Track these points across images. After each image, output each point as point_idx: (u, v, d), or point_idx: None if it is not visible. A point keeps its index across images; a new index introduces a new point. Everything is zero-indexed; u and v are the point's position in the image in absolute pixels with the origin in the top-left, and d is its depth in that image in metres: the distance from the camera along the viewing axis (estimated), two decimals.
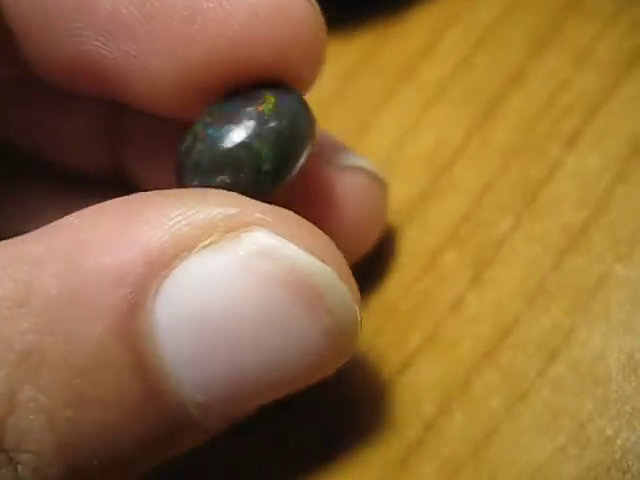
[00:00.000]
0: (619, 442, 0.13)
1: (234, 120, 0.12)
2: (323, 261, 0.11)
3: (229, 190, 0.12)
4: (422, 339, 0.15)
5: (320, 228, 0.12)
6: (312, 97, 0.14)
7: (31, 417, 0.10)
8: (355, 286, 0.11)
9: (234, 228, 0.11)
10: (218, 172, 0.12)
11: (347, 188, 0.15)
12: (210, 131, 0.12)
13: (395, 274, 0.16)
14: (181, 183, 0.12)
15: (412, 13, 0.20)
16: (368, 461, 0.14)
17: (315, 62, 0.13)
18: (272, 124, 0.12)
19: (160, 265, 0.10)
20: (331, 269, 0.11)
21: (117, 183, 0.16)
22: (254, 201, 0.11)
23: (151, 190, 0.11)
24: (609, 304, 0.14)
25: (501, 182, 0.16)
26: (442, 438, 0.14)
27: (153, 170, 0.16)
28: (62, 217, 0.11)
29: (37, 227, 0.11)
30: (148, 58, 0.12)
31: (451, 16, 0.19)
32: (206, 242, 0.10)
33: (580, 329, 0.14)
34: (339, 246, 0.12)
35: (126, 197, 0.11)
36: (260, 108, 0.12)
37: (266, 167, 0.12)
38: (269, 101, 0.12)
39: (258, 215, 0.11)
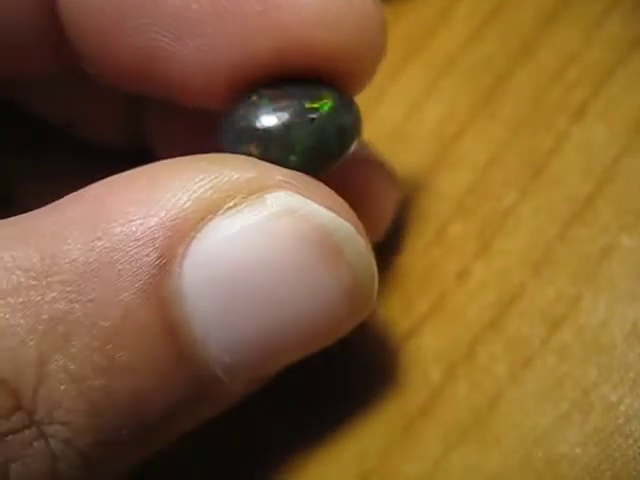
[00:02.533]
0: (622, 408, 0.13)
1: (288, 107, 0.12)
2: (342, 218, 0.11)
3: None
4: (428, 307, 0.15)
5: None
6: None
7: (62, 387, 0.10)
8: (369, 242, 0.12)
9: (256, 190, 0.11)
10: (253, 145, 0.12)
11: (358, 179, 0.15)
12: (264, 108, 0.12)
13: (402, 245, 0.16)
14: (221, 147, 0.12)
15: None
16: (373, 427, 0.14)
17: (376, 59, 0.13)
18: (321, 126, 0.12)
19: (186, 229, 0.10)
20: (350, 224, 0.11)
21: (135, 155, 0.16)
22: (274, 166, 0.11)
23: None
24: (614, 273, 0.14)
25: (508, 154, 0.16)
26: (447, 404, 0.14)
27: (175, 145, 0.15)
28: (81, 186, 0.11)
29: (53, 196, 0.11)
30: (217, 53, 0.12)
31: None
32: (230, 204, 0.11)
33: (585, 298, 0.14)
34: None
35: (148, 165, 0.11)
36: (316, 105, 0.12)
37: (293, 159, 0.12)
38: (327, 102, 0.12)
39: (279, 177, 0.11)
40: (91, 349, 0.10)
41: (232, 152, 0.12)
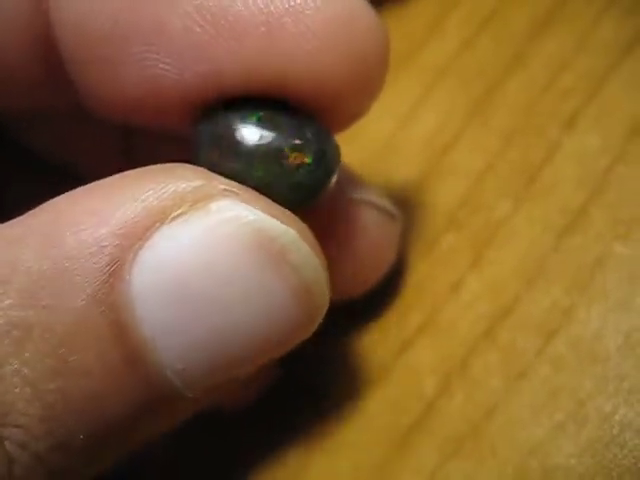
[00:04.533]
0: (617, 418, 0.13)
1: (267, 156, 0.12)
2: (285, 224, 0.11)
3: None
4: (423, 319, 0.15)
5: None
6: None
7: (16, 390, 0.10)
8: (317, 246, 0.12)
9: (202, 199, 0.11)
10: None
11: (360, 223, 0.15)
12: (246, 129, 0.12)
13: (395, 256, 0.16)
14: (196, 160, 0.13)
15: None
16: (369, 440, 0.14)
17: (377, 86, 0.13)
18: (301, 178, 0.12)
19: (134, 236, 0.11)
20: (293, 230, 0.11)
21: None
22: (217, 175, 0.12)
23: None
24: (608, 283, 0.14)
25: (501, 164, 0.16)
26: (442, 417, 0.14)
27: None
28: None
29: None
30: (219, 77, 0.12)
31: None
32: (177, 212, 0.11)
33: (579, 308, 0.14)
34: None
35: (108, 178, 0.12)
36: (295, 158, 0.12)
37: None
38: (308, 156, 0.12)
39: (222, 187, 0.11)
40: (44, 353, 0.10)
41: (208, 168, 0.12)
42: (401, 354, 0.15)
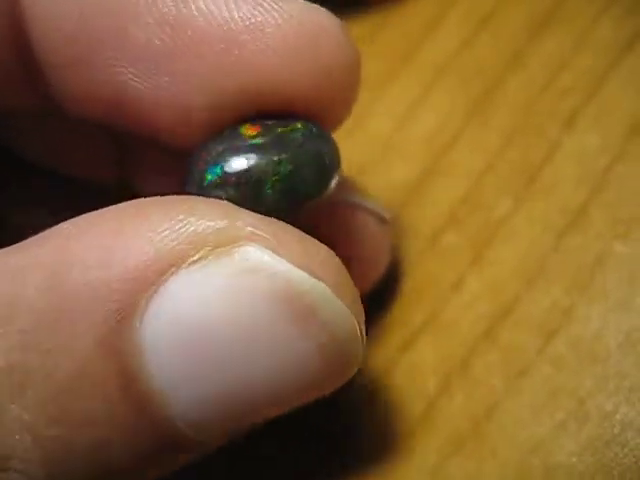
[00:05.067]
0: (618, 417, 0.13)
1: (259, 148, 0.11)
2: (316, 277, 0.10)
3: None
4: (423, 319, 0.15)
5: None
6: None
7: (17, 437, 0.10)
8: (356, 300, 0.11)
9: (224, 243, 0.10)
10: (222, 190, 0.11)
11: (353, 227, 0.14)
12: (233, 149, 0.12)
13: (396, 255, 0.16)
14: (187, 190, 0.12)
15: None
16: (370, 440, 0.14)
17: (347, 102, 0.13)
18: (295, 164, 0.11)
19: (148, 281, 0.10)
20: (325, 285, 0.10)
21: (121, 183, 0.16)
22: (244, 212, 0.11)
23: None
24: (607, 282, 0.14)
25: (500, 163, 0.16)
26: (443, 416, 0.14)
27: (158, 184, 0.15)
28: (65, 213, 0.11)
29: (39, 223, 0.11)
30: (181, 91, 0.12)
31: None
32: (195, 257, 0.10)
33: (579, 307, 0.14)
34: None
35: (117, 206, 0.11)
36: (289, 139, 0.12)
37: (267, 201, 0.11)
38: (299, 131, 0.12)
39: (249, 229, 0.10)
40: (45, 400, 0.10)
41: (200, 195, 0.11)
42: (402, 353, 0.15)
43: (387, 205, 0.16)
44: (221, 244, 0.10)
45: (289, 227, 0.11)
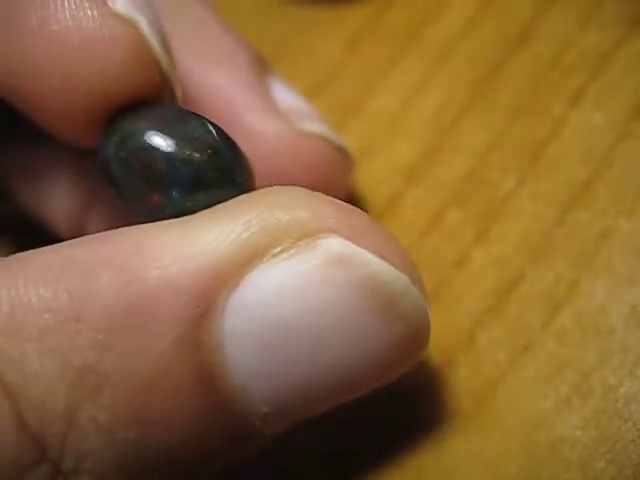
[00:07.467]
0: (622, 391, 0.13)
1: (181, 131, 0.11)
2: (397, 268, 0.10)
3: None
4: (428, 294, 0.15)
5: None
6: (318, 64, 0.14)
7: (92, 439, 0.10)
8: (426, 291, 0.11)
9: (307, 235, 0.10)
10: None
11: (308, 157, 0.14)
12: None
13: (400, 232, 0.16)
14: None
15: None
16: (374, 414, 0.14)
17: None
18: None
19: (228, 275, 0.10)
20: (406, 277, 0.11)
21: None
22: (327, 199, 0.11)
23: None
24: (612, 257, 0.14)
25: (505, 141, 0.16)
26: (447, 390, 0.14)
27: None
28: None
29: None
30: (62, 89, 0.12)
31: None
32: (277, 250, 0.10)
33: (584, 282, 0.14)
34: None
35: None
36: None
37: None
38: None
39: (331, 221, 0.10)
40: (122, 401, 0.10)
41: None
42: None
43: (392, 183, 0.17)
44: (304, 236, 0.10)
45: (364, 215, 0.11)
